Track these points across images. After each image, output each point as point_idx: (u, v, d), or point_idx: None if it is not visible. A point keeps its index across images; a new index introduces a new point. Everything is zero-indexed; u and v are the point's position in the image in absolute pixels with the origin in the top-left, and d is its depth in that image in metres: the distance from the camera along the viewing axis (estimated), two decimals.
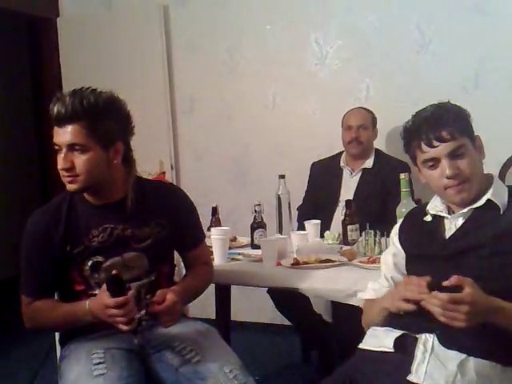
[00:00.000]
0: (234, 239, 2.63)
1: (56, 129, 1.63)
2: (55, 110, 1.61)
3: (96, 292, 1.69)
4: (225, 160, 3.64)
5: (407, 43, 3.17)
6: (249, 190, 3.56)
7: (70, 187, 1.67)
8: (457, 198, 1.50)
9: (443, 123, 1.47)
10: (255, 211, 2.53)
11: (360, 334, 1.61)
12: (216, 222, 2.65)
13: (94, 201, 1.74)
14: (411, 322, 1.46)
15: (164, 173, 3.56)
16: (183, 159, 3.77)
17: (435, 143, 1.48)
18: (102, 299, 1.57)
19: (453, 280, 1.30)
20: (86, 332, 1.74)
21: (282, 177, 2.61)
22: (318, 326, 2.91)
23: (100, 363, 1.61)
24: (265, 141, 3.53)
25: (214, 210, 2.68)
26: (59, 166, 1.64)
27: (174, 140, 3.73)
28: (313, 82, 3.40)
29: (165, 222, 1.77)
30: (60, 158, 1.64)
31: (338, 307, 2.45)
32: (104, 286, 1.57)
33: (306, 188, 3.12)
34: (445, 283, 1.30)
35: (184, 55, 3.67)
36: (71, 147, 1.62)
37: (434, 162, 1.50)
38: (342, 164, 3.01)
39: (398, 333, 1.47)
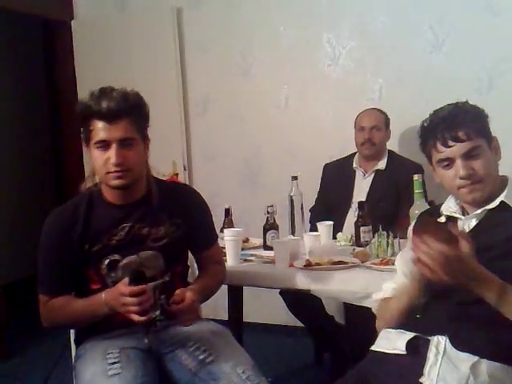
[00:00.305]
0: (246, 240, 2.63)
1: (103, 124, 1.63)
2: (104, 105, 1.61)
3: None
4: (237, 161, 3.65)
5: (420, 44, 3.16)
6: (261, 191, 3.57)
7: (118, 183, 1.67)
8: (469, 197, 1.51)
9: (459, 123, 1.47)
10: (268, 212, 2.53)
11: (372, 336, 1.61)
12: (229, 223, 2.66)
13: (116, 200, 1.75)
14: (423, 324, 1.46)
15: (177, 174, 3.56)
16: (196, 160, 3.78)
17: (450, 143, 1.47)
18: (118, 288, 1.59)
19: (462, 233, 1.35)
20: (101, 331, 1.76)
21: (295, 178, 2.61)
22: (330, 327, 2.91)
23: (115, 363, 1.63)
24: (277, 142, 3.53)
25: (227, 212, 2.69)
26: (113, 161, 1.63)
27: (187, 141, 3.75)
28: (325, 83, 3.40)
29: (180, 221, 1.79)
30: (111, 153, 1.63)
31: (350, 309, 2.45)
32: (125, 280, 1.58)
33: (318, 189, 3.12)
34: (453, 230, 1.35)
35: (197, 57, 3.69)
36: (122, 142, 1.64)
37: (449, 162, 1.50)
38: (354, 165, 3.00)
39: (411, 335, 1.47)
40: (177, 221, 1.78)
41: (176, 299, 1.63)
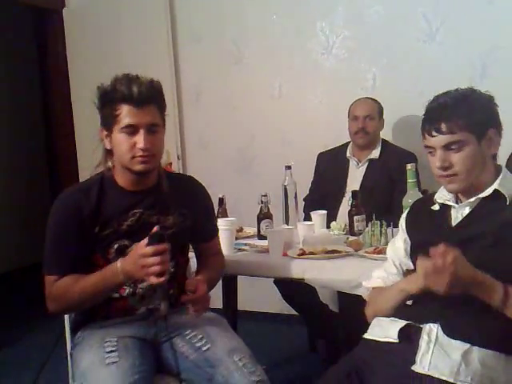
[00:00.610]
0: (240, 230, 2.64)
1: (132, 109, 1.63)
2: (135, 89, 1.62)
3: None
4: (231, 150, 3.65)
5: (414, 33, 3.15)
6: (255, 180, 3.57)
7: (142, 167, 1.67)
8: (447, 187, 1.55)
9: (445, 116, 1.48)
10: (261, 202, 2.54)
11: (366, 324, 1.62)
12: (223, 212, 2.66)
13: (129, 186, 1.74)
14: (415, 311, 1.47)
15: (171, 163, 3.57)
16: (189, 150, 3.78)
17: (434, 133, 1.51)
18: (137, 250, 1.57)
19: (440, 248, 1.35)
20: (98, 319, 1.77)
21: (289, 167, 2.61)
22: (324, 315, 2.93)
23: (112, 351, 1.63)
24: (271, 131, 3.53)
25: (221, 201, 2.69)
26: (141, 145, 1.63)
27: (181, 130, 3.74)
28: (319, 72, 3.39)
29: (187, 212, 1.80)
30: (139, 138, 1.64)
31: (344, 297, 2.46)
32: (143, 241, 1.56)
33: (312, 178, 3.13)
34: (431, 251, 1.36)
35: (190, 45, 3.67)
36: (149, 128, 1.65)
37: (432, 150, 1.53)
38: (348, 154, 3.00)
39: (403, 323, 1.48)
40: (184, 211, 1.79)
41: (189, 289, 1.65)
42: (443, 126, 1.48)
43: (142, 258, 1.55)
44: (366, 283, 1.74)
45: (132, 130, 1.64)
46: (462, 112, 1.48)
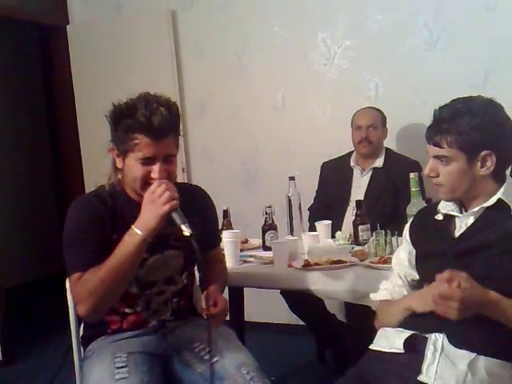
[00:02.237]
0: (245, 241, 2.65)
1: (151, 141, 1.61)
2: (155, 122, 1.59)
3: (134, 290, 1.74)
4: (235, 162, 3.66)
5: (415, 42, 3.16)
6: (259, 191, 3.58)
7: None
8: (438, 194, 1.57)
9: (437, 129, 1.50)
10: (266, 213, 2.54)
11: (374, 334, 1.62)
12: (227, 224, 2.67)
13: (140, 199, 1.70)
14: (421, 321, 1.47)
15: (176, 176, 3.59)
16: (194, 162, 3.80)
17: (429, 141, 1.54)
18: (145, 195, 1.59)
19: (445, 275, 1.34)
20: (110, 332, 1.77)
21: (292, 178, 2.62)
22: (331, 325, 2.92)
23: (122, 367, 1.64)
24: (275, 142, 3.55)
25: (226, 213, 2.70)
26: (156, 176, 1.62)
27: (185, 143, 3.75)
28: (322, 83, 3.41)
29: (196, 221, 1.77)
30: (155, 168, 1.62)
31: (351, 307, 2.46)
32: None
33: (316, 188, 3.13)
34: (437, 278, 1.35)
35: (193, 59, 3.70)
36: (165, 158, 1.64)
37: (428, 157, 1.56)
38: (352, 164, 3.01)
39: (408, 333, 1.48)
40: (194, 220, 1.75)
41: (210, 303, 1.64)
42: (435, 139, 1.51)
43: (150, 196, 1.57)
44: (374, 296, 1.73)
45: (149, 161, 1.63)
46: (454, 130, 1.48)
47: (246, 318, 2.89)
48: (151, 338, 1.78)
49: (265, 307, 3.41)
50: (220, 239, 2.03)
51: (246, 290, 2.78)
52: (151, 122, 1.59)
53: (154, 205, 1.57)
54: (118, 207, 1.73)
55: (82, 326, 1.90)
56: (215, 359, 1.69)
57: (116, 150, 1.70)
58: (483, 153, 1.48)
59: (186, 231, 1.56)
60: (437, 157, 1.52)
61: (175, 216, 1.58)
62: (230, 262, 2.31)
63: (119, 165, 1.70)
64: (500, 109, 1.52)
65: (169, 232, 1.74)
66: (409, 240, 1.69)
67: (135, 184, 1.68)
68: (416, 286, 1.65)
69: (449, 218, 1.59)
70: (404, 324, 1.52)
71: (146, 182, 1.65)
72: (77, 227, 1.69)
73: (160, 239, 1.70)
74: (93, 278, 1.60)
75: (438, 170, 1.53)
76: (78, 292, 1.64)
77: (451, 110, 1.50)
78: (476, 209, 1.53)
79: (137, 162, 1.64)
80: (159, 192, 1.57)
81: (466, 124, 1.47)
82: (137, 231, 1.58)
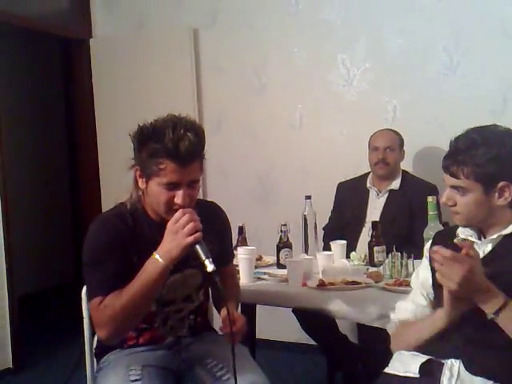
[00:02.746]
0: (259, 258, 2.66)
1: (176, 167, 1.59)
2: (182, 148, 1.57)
3: (153, 309, 1.74)
4: (251, 179, 3.68)
5: (435, 66, 3.18)
6: (274, 208, 3.59)
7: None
8: (456, 221, 1.58)
9: (453, 160, 1.51)
10: (281, 231, 2.56)
11: (386, 357, 1.61)
12: (242, 241, 2.68)
13: (160, 219, 1.71)
14: (437, 347, 1.46)
15: None
16: (210, 177, 3.81)
17: (445, 171, 1.54)
18: (168, 225, 1.58)
19: (464, 243, 1.40)
20: (125, 346, 1.78)
21: (309, 197, 2.63)
22: (343, 346, 2.90)
23: (137, 380, 1.65)
24: (291, 160, 3.56)
25: (241, 230, 2.71)
26: (180, 202, 1.62)
27: None
28: (340, 103, 3.43)
29: (213, 239, 1.78)
30: (179, 194, 1.62)
31: (364, 329, 2.45)
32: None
33: (331, 208, 3.14)
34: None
35: (212, 76, 3.74)
36: (190, 184, 1.63)
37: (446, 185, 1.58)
38: (368, 185, 3.02)
39: (424, 358, 1.47)
40: (211, 238, 1.76)
41: (228, 321, 1.63)
42: (451, 169, 1.51)
43: (173, 225, 1.56)
44: (394, 315, 1.70)
45: (173, 186, 1.62)
46: (470, 161, 1.48)
47: (258, 336, 2.89)
48: (166, 352, 1.79)
49: (276, 325, 3.40)
50: (233, 256, 2.04)
51: (257, 307, 2.78)
52: (178, 147, 1.57)
53: (178, 235, 1.55)
54: (139, 228, 1.72)
55: (96, 337, 1.90)
56: (227, 376, 1.69)
57: (139, 171, 1.69)
58: (500, 184, 1.48)
59: (209, 267, 1.54)
60: (453, 187, 1.53)
61: (199, 249, 1.56)
62: (244, 279, 2.32)
63: (141, 185, 1.69)
64: None
65: (188, 252, 1.75)
66: (428, 262, 1.68)
67: (159, 208, 1.67)
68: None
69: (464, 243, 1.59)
70: (420, 348, 1.51)
71: (170, 207, 1.64)
72: (98, 248, 1.68)
73: (180, 258, 1.69)
74: (114, 304, 1.60)
75: (455, 199, 1.53)
76: (99, 317, 1.64)
77: (467, 140, 1.50)
78: (494, 236, 1.53)
79: (161, 187, 1.62)
80: (183, 222, 1.55)
81: (482, 155, 1.46)
82: (159, 259, 1.57)
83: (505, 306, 1.37)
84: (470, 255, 1.38)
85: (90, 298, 1.68)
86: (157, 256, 1.58)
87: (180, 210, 1.58)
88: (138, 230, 1.72)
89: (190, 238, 1.55)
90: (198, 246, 1.56)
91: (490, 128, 1.52)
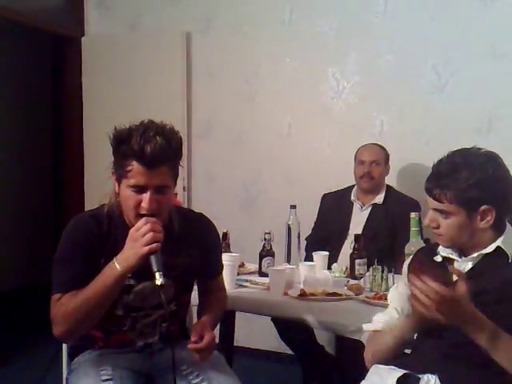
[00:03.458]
0: (241, 265, 2.66)
1: (142, 169, 1.58)
2: (148, 151, 1.56)
3: (120, 313, 1.73)
4: (237, 185, 3.69)
5: (423, 83, 3.23)
6: (258, 216, 3.61)
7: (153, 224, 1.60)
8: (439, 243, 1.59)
9: (436, 184, 1.52)
10: (265, 239, 2.57)
11: (362, 369, 1.63)
12: (226, 247, 2.68)
13: (132, 224, 1.68)
14: (414, 361, 1.48)
15: (176, 194, 3.60)
16: (196, 182, 3.82)
17: (428, 194, 1.55)
18: (130, 231, 1.58)
19: (459, 272, 1.41)
20: (96, 347, 1.78)
21: (293, 207, 2.65)
22: (319, 357, 2.92)
23: (108, 380, 1.65)
24: (277, 169, 3.58)
25: (225, 236, 2.71)
26: (146, 206, 1.60)
27: (188, 163, 3.78)
28: (328, 115, 3.46)
29: (195, 253, 1.79)
30: (145, 198, 1.60)
31: (341, 340, 2.47)
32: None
33: (315, 219, 3.16)
34: (450, 269, 1.41)
35: (203, 81, 3.75)
36: (157, 188, 1.61)
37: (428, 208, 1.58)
38: (352, 198, 3.04)
39: (401, 372, 1.49)
40: (193, 252, 1.77)
41: (195, 339, 1.64)
42: (434, 193, 1.53)
43: (134, 233, 1.56)
44: (367, 326, 1.73)
45: (139, 189, 1.61)
46: (453, 186, 1.49)
47: (235, 343, 2.89)
48: (137, 355, 1.77)
49: (254, 333, 3.41)
50: (221, 268, 1.99)
51: (236, 314, 2.78)
52: (144, 149, 1.57)
53: (136, 243, 1.55)
54: (112, 231, 1.72)
55: None
56: None
57: (114, 174, 1.69)
58: (483, 208, 1.50)
59: (158, 280, 1.53)
60: (436, 210, 1.54)
61: (152, 260, 1.55)
62: (225, 285, 2.31)
63: (116, 189, 1.69)
64: (499, 163, 1.52)
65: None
66: (407, 278, 1.70)
67: (129, 213, 1.66)
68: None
69: (447, 261, 1.61)
70: (397, 362, 1.53)
71: (138, 212, 1.63)
72: (67, 246, 1.70)
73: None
74: (69, 304, 1.62)
75: (437, 221, 1.55)
76: (54, 314, 1.65)
77: (449, 164, 1.51)
78: (475, 255, 1.55)
79: (129, 190, 1.62)
80: (143, 231, 1.55)
81: (465, 180, 1.48)
82: (116, 266, 1.57)
83: (497, 338, 1.38)
84: (460, 290, 1.37)
85: (51, 292, 1.68)
86: (115, 262, 1.58)
87: (144, 219, 1.58)
88: (112, 233, 1.72)
89: (146, 248, 1.54)
90: (152, 257, 1.55)
91: (473, 151, 1.53)
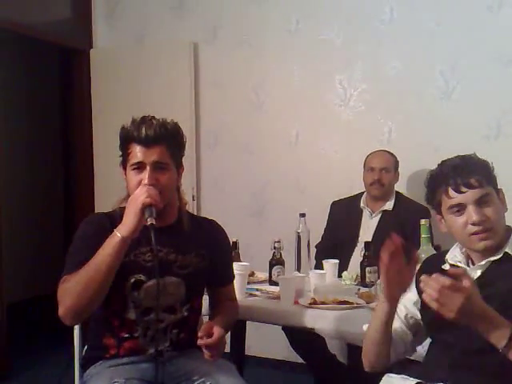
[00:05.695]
0: (251, 274, 2.66)
1: (140, 148, 1.72)
2: (143, 131, 1.71)
3: (132, 317, 1.75)
4: (245, 194, 3.70)
5: (431, 90, 3.23)
6: (267, 224, 3.61)
7: (148, 201, 1.67)
8: (480, 244, 1.51)
9: (471, 171, 1.51)
10: (274, 248, 2.56)
11: (374, 378, 1.62)
12: (236, 256, 2.68)
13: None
14: (426, 370, 1.47)
15: (186, 203, 3.61)
16: (205, 191, 3.83)
17: (463, 189, 1.50)
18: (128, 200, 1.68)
19: (459, 270, 1.37)
20: (108, 356, 1.78)
21: (303, 215, 2.65)
22: (331, 366, 2.90)
23: None
24: (285, 177, 3.59)
25: (234, 245, 2.72)
26: (146, 182, 1.70)
27: (197, 172, 3.80)
28: (336, 123, 3.46)
29: (205, 253, 1.83)
30: (145, 175, 1.71)
31: (353, 349, 2.45)
32: None
33: (324, 226, 3.15)
34: (450, 270, 1.37)
35: (211, 91, 3.77)
36: (155, 165, 1.72)
37: (460, 208, 1.51)
38: (362, 205, 3.04)
39: (413, 381, 1.48)
40: (202, 252, 1.82)
41: (204, 334, 1.65)
42: (473, 181, 1.49)
43: (131, 199, 1.65)
44: (365, 326, 1.72)
45: (139, 166, 1.72)
46: (482, 167, 1.52)
47: (246, 352, 2.88)
48: (148, 365, 1.77)
49: (265, 342, 3.40)
50: (233, 277, 2.02)
51: (247, 323, 2.78)
52: (140, 130, 1.72)
53: (132, 206, 1.64)
54: None
55: (86, 347, 1.91)
56: None
57: (123, 169, 1.80)
58: (500, 189, 1.54)
59: (149, 221, 1.62)
60: (479, 200, 1.49)
61: (146, 211, 1.63)
62: (236, 294, 2.31)
63: (124, 179, 1.79)
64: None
65: (173, 258, 1.78)
66: (414, 286, 1.69)
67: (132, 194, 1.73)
68: (417, 327, 1.66)
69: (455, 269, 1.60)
70: (409, 371, 1.52)
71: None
72: (80, 237, 1.78)
73: (162, 264, 1.70)
74: (72, 279, 1.65)
75: (484, 213, 1.49)
76: (59, 294, 1.67)
77: (463, 157, 1.54)
78: (483, 262, 1.53)
79: (131, 172, 1.74)
80: (138, 193, 1.65)
81: (481, 164, 1.53)
82: (117, 233, 1.63)
83: None
84: (467, 284, 1.33)
85: (62, 274, 1.71)
86: (116, 231, 1.64)
87: (141, 186, 1.68)
88: None
89: (139, 201, 1.62)
90: (146, 209, 1.63)
91: (471, 155, 1.56)
